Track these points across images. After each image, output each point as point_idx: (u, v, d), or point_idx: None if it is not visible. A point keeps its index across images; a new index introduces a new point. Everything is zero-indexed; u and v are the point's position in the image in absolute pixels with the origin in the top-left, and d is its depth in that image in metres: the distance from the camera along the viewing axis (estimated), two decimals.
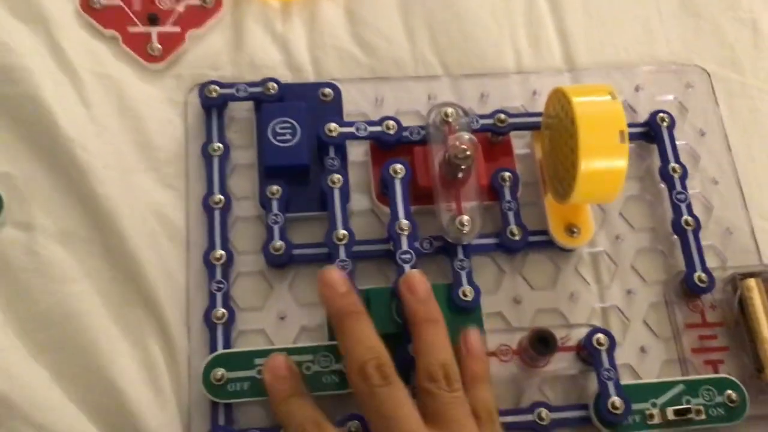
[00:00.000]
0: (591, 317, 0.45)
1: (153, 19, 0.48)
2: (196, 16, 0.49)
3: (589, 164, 0.40)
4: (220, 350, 0.41)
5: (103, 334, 0.40)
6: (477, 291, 0.43)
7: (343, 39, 0.50)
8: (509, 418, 0.41)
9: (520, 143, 0.48)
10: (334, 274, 0.39)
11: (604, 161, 0.40)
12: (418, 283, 0.39)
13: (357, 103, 0.48)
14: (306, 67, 0.49)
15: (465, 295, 0.43)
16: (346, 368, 0.38)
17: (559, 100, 0.43)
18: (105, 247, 0.42)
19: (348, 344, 0.38)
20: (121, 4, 0.48)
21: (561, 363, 0.42)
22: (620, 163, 0.40)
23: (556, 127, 0.43)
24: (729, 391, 0.42)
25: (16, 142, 0.44)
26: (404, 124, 0.46)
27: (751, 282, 0.44)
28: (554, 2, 0.53)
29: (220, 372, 0.39)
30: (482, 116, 0.47)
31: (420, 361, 0.38)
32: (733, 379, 0.42)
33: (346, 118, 0.47)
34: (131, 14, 0.48)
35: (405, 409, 0.36)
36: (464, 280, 0.43)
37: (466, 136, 0.42)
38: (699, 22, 0.54)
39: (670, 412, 0.41)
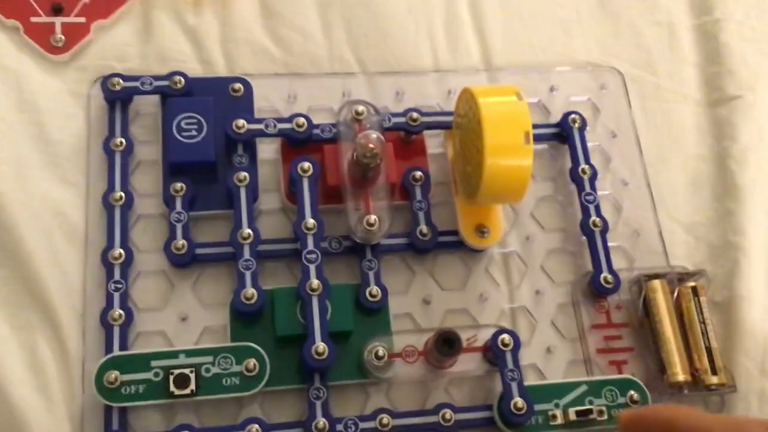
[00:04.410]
0: (500, 318, 0.45)
1: (57, 9, 0.46)
2: (103, 6, 0.47)
3: (494, 164, 0.40)
4: (116, 352, 0.39)
5: None
6: (385, 291, 0.43)
7: (256, 33, 0.49)
8: (413, 420, 0.41)
9: (435, 142, 0.48)
10: None
11: (509, 162, 0.40)
12: None
13: (269, 100, 0.48)
14: (218, 61, 0.48)
15: (372, 296, 0.42)
16: None
17: (468, 100, 0.42)
18: None
19: None
20: None
21: (468, 364, 0.42)
22: (525, 163, 0.40)
23: (465, 126, 0.43)
24: (631, 392, 0.42)
25: None
26: (318, 121, 0.46)
27: (656, 283, 0.44)
28: (473, 1, 0.53)
29: (113, 374, 0.38)
30: (395, 114, 0.46)
31: None
32: (636, 379, 0.42)
33: (257, 115, 0.46)
34: (34, 3, 0.46)
35: None
36: (372, 280, 0.43)
37: (374, 134, 0.42)
38: (617, 24, 0.54)
39: (572, 412, 0.41)
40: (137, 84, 0.45)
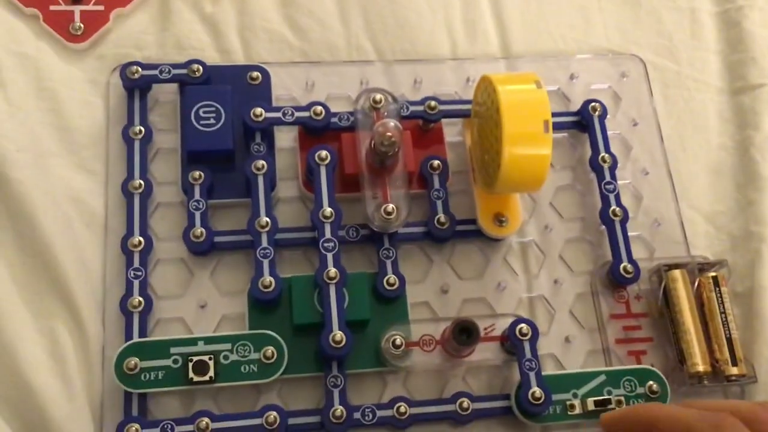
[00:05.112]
0: (518, 307, 0.44)
1: None
2: None
3: (513, 153, 0.39)
4: (135, 339, 0.40)
5: (10, 322, 0.39)
6: (402, 280, 0.43)
7: (274, 21, 0.49)
8: (431, 409, 0.41)
9: (453, 131, 0.48)
10: None
11: (528, 151, 0.40)
12: None
13: (287, 88, 0.47)
14: (235, 49, 0.48)
15: (390, 284, 0.42)
16: None
17: (486, 88, 0.42)
18: (17, 233, 0.41)
19: None
20: None
21: (485, 353, 0.42)
22: (544, 152, 0.40)
23: (484, 115, 0.43)
24: (650, 382, 0.42)
25: None
26: (336, 109, 0.45)
27: (676, 273, 0.44)
28: None
29: (133, 361, 0.38)
30: (413, 103, 0.46)
31: None
32: (655, 369, 0.42)
33: (275, 103, 0.46)
34: None
35: None
36: (389, 268, 0.43)
37: (391, 123, 0.42)
38: (638, 11, 0.53)
39: (590, 402, 0.41)
40: (156, 72, 0.45)
